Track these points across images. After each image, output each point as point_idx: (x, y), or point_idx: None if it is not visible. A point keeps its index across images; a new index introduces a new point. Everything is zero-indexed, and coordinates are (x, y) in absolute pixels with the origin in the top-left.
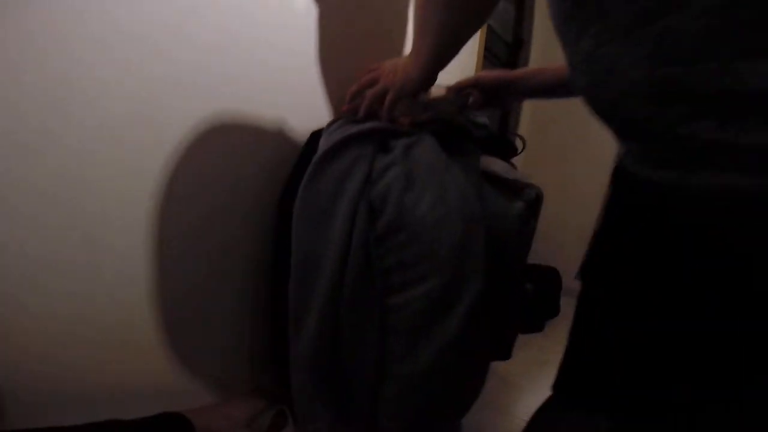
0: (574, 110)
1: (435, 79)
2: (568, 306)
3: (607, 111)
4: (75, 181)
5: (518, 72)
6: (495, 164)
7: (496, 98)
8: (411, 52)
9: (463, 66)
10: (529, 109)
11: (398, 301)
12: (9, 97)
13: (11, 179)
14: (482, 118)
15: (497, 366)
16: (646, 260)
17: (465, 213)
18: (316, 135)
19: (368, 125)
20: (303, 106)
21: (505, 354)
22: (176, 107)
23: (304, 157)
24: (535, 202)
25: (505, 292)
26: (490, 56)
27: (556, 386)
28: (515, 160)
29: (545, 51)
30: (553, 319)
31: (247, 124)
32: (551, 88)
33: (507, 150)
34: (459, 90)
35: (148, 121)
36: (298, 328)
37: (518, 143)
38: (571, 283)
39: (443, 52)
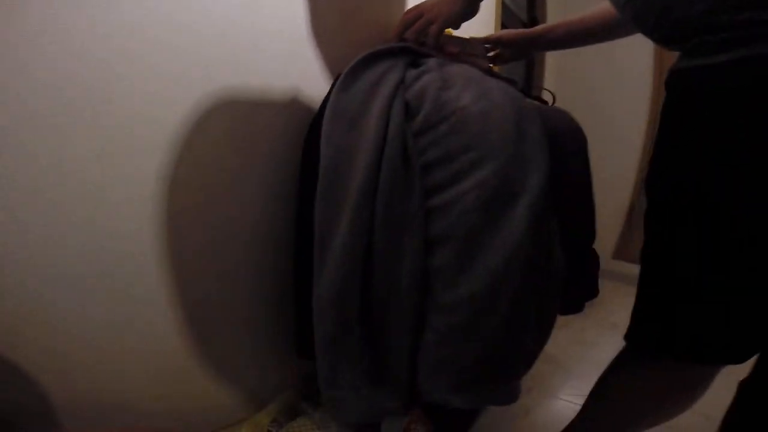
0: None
1: (477, 11)
2: (605, 289)
3: (659, 16)
4: (84, 179)
5: (536, 29)
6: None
7: (517, 52)
8: None
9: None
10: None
11: (444, 200)
12: (12, 93)
13: (11, 179)
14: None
15: None
16: (723, 138)
17: (514, 104)
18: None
19: (400, 44)
20: (316, 74)
21: (591, 292)
22: (188, 86)
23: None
24: None
25: (572, 202)
26: None
27: (629, 336)
28: None
29: None
30: (591, 300)
31: (261, 96)
32: (566, 40)
33: None
34: (483, 42)
35: (156, 112)
36: (323, 255)
37: (547, 97)
38: (608, 264)
39: None
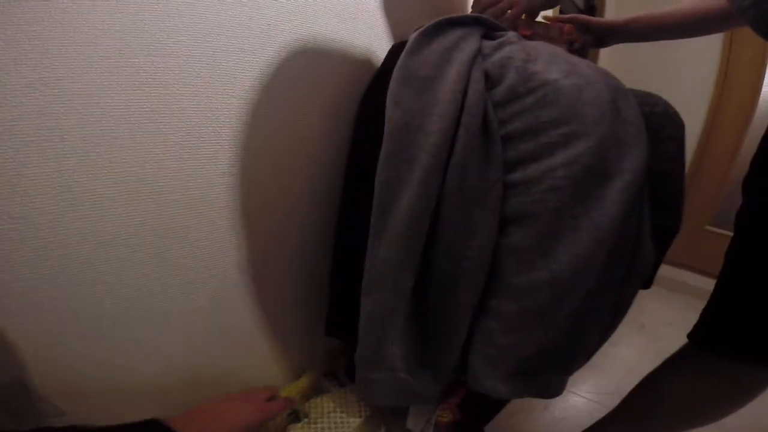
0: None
1: (559, 2)
2: None
3: None
4: (146, 131)
5: (616, 19)
6: None
7: (592, 40)
8: None
9: None
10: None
11: (528, 175)
12: (72, 38)
13: (87, 128)
14: None
15: None
16: None
17: (607, 82)
18: (400, 45)
19: (472, 14)
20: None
21: (648, 280)
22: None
23: (387, 68)
24: None
25: (663, 191)
26: None
27: (697, 336)
28: None
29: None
30: None
31: (322, 52)
32: (647, 33)
33: None
34: (558, 22)
35: (216, 62)
36: (382, 222)
37: None
38: None
39: None
